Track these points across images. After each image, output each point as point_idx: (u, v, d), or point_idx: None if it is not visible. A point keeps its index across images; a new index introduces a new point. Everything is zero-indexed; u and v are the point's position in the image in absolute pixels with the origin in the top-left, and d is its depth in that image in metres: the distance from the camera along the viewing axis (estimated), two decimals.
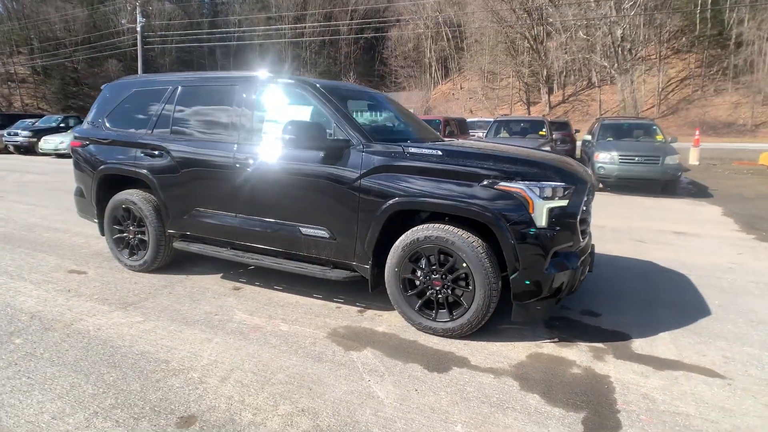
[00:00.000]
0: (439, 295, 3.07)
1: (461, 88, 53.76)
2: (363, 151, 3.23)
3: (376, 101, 4.48)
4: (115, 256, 4.50)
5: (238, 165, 3.63)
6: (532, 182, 2.87)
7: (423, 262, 3.10)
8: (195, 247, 4.04)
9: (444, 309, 3.08)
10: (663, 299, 3.79)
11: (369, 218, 3.18)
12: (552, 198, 2.85)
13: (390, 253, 3.19)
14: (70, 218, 6.48)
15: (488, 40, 48.33)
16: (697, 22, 37.52)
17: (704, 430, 2.18)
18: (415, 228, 3.10)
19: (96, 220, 4.62)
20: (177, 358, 2.79)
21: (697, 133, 15.46)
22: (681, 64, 40.36)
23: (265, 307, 3.57)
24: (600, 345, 3.01)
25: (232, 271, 4.39)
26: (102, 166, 4.38)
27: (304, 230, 3.48)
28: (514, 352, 2.92)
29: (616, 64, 34.61)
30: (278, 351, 2.90)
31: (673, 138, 10.03)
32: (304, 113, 3.58)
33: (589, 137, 11.45)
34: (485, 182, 2.90)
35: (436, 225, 3.03)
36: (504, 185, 2.87)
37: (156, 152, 4.07)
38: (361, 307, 3.59)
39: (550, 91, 44.35)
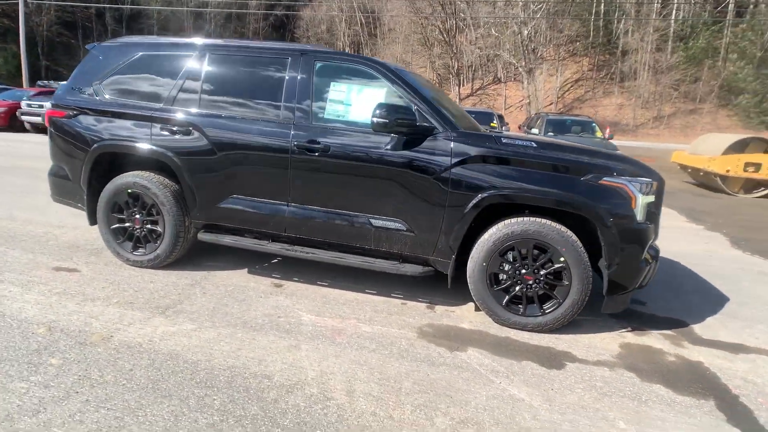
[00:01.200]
0: (529, 291, 3.05)
1: None
2: (452, 140, 3.05)
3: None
4: (112, 250, 3.78)
5: (296, 149, 3.22)
6: (630, 178, 2.94)
7: (511, 256, 3.04)
8: (228, 239, 3.54)
9: (533, 304, 3.07)
10: (684, 286, 4.17)
11: (458, 211, 3.03)
12: (647, 193, 2.96)
13: (476, 247, 3.08)
14: (20, 203, 5.35)
15: (402, 29, 49.03)
16: (591, 29, 41.52)
17: None
18: (508, 222, 3.02)
19: (83, 207, 3.83)
20: (276, 372, 2.43)
21: (608, 131, 17.20)
22: (576, 66, 44.48)
23: (328, 306, 3.26)
24: (669, 332, 3.22)
25: (257, 265, 3.94)
26: (100, 143, 3.62)
27: (375, 222, 3.21)
28: (605, 343, 3.01)
29: (523, 62, 37.14)
30: (381, 355, 2.66)
31: (611, 135, 11.05)
32: (375, 95, 3.25)
33: (535, 131, 12.19)
34: (589, 177, 2.92)
35: (533, 219, 2.98)
36: (608, 180, 2.91)
37: (183, 130, 3.46)
38: (426, 303, 3.44)
39: (460, 84, 46.28)
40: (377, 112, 2.95)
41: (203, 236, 3.62)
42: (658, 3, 37.65)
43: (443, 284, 3.32)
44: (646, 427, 2.18)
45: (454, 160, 3.02)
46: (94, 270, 3.63)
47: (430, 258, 3.22)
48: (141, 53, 3.70)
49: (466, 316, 3.25)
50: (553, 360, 2.75)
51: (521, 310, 3.08)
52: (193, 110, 3.47)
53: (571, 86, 43.81)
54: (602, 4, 40.65)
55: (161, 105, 3.54)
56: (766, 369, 2.80)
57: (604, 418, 2.23)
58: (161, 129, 3.50)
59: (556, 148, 3.11)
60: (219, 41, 3.70)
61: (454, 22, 43.60)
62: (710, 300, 3.86)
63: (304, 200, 3.33)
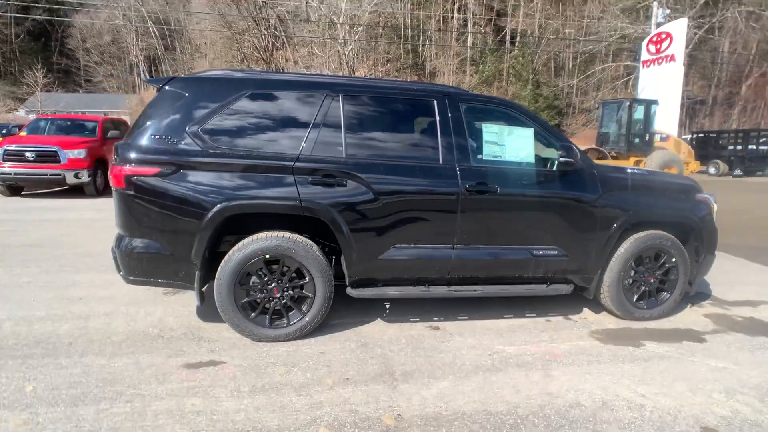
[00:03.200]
0: (648, 287, 3.84)
1: None
2: (594, 172, 3.64)
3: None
4: (242, 328, 3.20)
5: (466, 191, 3.35)
6: (709, 194, 4.00)
7: (637, 264, 3.78)
8: (394, 291, 3.41)
9: (652, 298, 3.86)
10: None
11: (605, 233, 3.63)
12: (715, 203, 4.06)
13: (613, 260, 3.73)
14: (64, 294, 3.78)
15: (210, 44, 46.78)
16: (402, 52, 46.53)
17: None
18: (637, 236, 3.73)
19: (186, 285, 3.16)
20: (567, 397, 2.63)
21: None
22: None
23: (508, 336, 3.47)
24: (710, 303, 4.41)
25: (383, 314, 3.80)
26: (225, 204, 3.04)
27: (536, 252, 3.58)
28: (697, 316, 3.99)
29: None
30: (611, 363, 3.07)
31: None
32: (524, 135, 3.59)
33: None
34: (691, 195, 3.86)
35: (655, 233, 3.75)
36: (701, 196, 3.90)
37: (338, 181, 3.19)
38: (564, 317, 3.92)
39: None
40: (561, 152, 3.36)
41: (360, 292, 3.38)
42: (455, 30, 44.44)
43: (551, 300, 3.97)
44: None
45: (602, 191, 3.61)
46: (237, 355, 3.04)
47: (578, 276, 3.73)
48: (249, 91, 3.24)
49: (602, 321, 3.86)
50: (693, 336, 3.58)
51: (644, 305, 3.84)
52: (343, 158, 3.25)
53: None
54: (409, 30, 45.63)
55: (299, 153, 3.19)
56: None
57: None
58: (311, 182, 3.16)
59: (662, 175, 3.99)
60: (350, 80, 3.52)
61: (270, 40, 43.56)
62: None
63: (470, 241, 3.47)
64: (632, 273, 3.79)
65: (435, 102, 3.47)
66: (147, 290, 4.25)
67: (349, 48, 38.73)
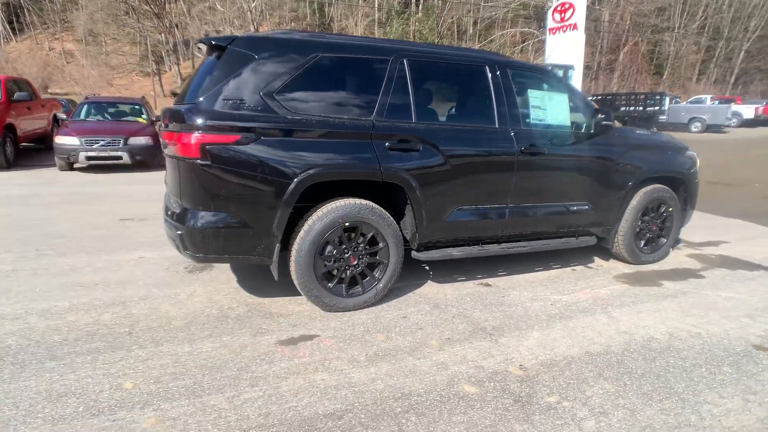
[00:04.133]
0: (651, 235, 4.39)
1: (51, 49, 42.75)
2: (616, 133, 4.00)
3: None
4: (320, 299, 3.11)
5: (521, 153, 3.51)
6: (691, 150, 4.60)
7: (642, 214, 4.30)
8: (458, 252, 3.51)
9: (647, 246, 4.43)
10: None
11: (624, 188, 4.05)
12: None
13: (627, 212, 4.18)
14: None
15: None
16: (308, 11, 44.28)
17: None
18: (645, 190, 4.20)
19: (264, 259, 2.96)
20: (639, 335, 3.02)
21: None
22: None
23: (552, 287, 3.79)
24: (684, 246, 5.16)
25: (430, 275, 3.92)
26: (307, 172, 2.87)
27: (572, 207, 3.89)
28: (690, 263, 4.68)
29: None
30: (650, 302, 3.53)
31: None
32: (561, 101, 3.79)
33: None
34: (682, 152, 4.41)
35: (659, 186, 4.26)
36: (688, 153, 4.48)
37: (413, 146, 3.15)
38: (585, 266, 4.34)
39: (179, 62, 42.31)
40: (601, 116, 3.62)
41: (427, 255, 3.43)
42: None
43: (564, 252, 4.38)
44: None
45: (623, 148, 3.99)
46: (323, 327, 2.97)
47: (600, 229, 4.13)
48: (320, 54, 3.02)
49: (616, 267, 4.35)
50: (692, 273, 4.22)
51: (649, 250, 4.40)
52: (414, 123, 3.20)
53: None
54: None
55: (373, 119, 3.09)
56: (740, 250, 5.02)
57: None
58: (389, 147, 3.09)
59: (660, 135, 4.47)
60: (411, 45, 3.40)
61: None
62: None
63: (520, 200, 3.66)
64: (640, 223, 4.30)
65: (487, 68, 3.52)
66: (166, 270, 3.89)
67: (254, 4, 36.10)
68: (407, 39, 43.08)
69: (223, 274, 3.83)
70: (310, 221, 2.98)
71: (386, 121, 3.12)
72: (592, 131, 3.82)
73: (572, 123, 3.86)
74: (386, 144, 3.09)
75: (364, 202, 3.10)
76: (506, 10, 42.19)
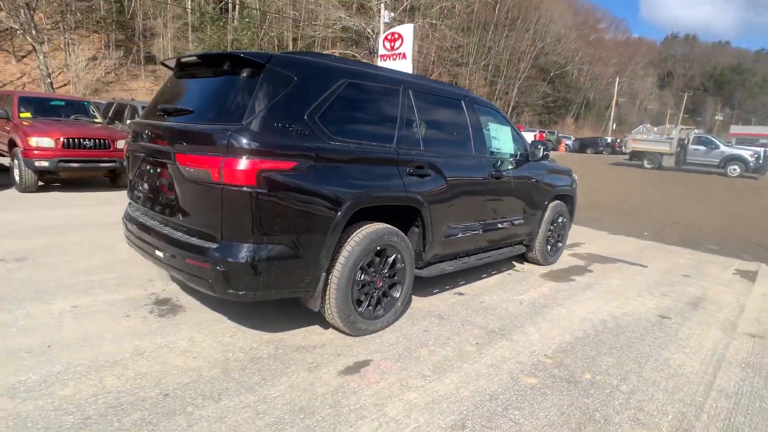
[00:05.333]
0: (555, 240, 5.51)
1: None
2: (546, 159, 4.96)
3: None
4: (354, 324, 3.12)
5: (491, 178, 4.12)
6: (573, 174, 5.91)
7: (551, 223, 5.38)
8: (449, 267, 3.89)
9: (552, 249, 5.56)
10: None
11: (544, 204, 5.05)
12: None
13: (543, 223, 5.19)
14: None
15: None
16: (102, 2, 38.46)
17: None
18: (553, 204, 5.26)
19: (309, 291, 2.88)
20: (614, 316, 3.91)
21: None
22: (92, 43, 40.44)
23: (507, 289, 4.47)
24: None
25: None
26: (356, 199, 2.91)
27: (515, 221, 4.68)
28: (573, 261, 5.95)
29: (34, 31, 30.73)
30: (576, 293, 4.50)
31: None
32: (507, 132, 4.53)
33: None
34: (570, 174, 5.64)
35: (560, 201, 5.40)
36: (573, 175, 5.75)
37: (425, 172, 3.44)
38: (516, 270, 5.18)
39: None
40: (541, 147, 4.47)
41: (429, 272, 3.72)
42: None
43: (494, 262, 5.20)
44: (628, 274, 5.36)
45: (544, 171, 4.97)
46: (366, 351, 3.01)
47: (527, 238, 5.03)
48: (347, 81, 3.08)
49: (532, 269, 5.31)
50: (584, 269, 5.45)
51: (551, 252, 5.51)
52: (423, 149, 3.50)
53: (89, 65, 39.67)
54: None
55: (393, 146, 3.28)
56: (594, 248, 6.61)
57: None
58: (409, 173, 3.31)
59: (555, 162, 5.60)
60: (412, 78, 3.63)
61: None
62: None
63: (488, 217, 4.26)
64: (548, 232, 5.36)
65: (463, 102, 4.05)
66: (127, 317, 3.30)
67: None
68: (225, 48, 41.17)
69: (203, 314, 3.42)
70: (348, 247, 2.99)
71: (404, 148, 3.35)
72: (530, 159, 4.68)
73: (515, 150, 4.66)
74: (408, 170, 3.31)
75: (389, 226, 3.25)
76: (331, 30, 43.96)
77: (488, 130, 4.35)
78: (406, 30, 24.53)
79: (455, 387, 2.67)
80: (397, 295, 3.43)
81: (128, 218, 3.41)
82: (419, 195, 3.39)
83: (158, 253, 2.91)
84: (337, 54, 45.07)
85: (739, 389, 2.89)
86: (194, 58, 3.02)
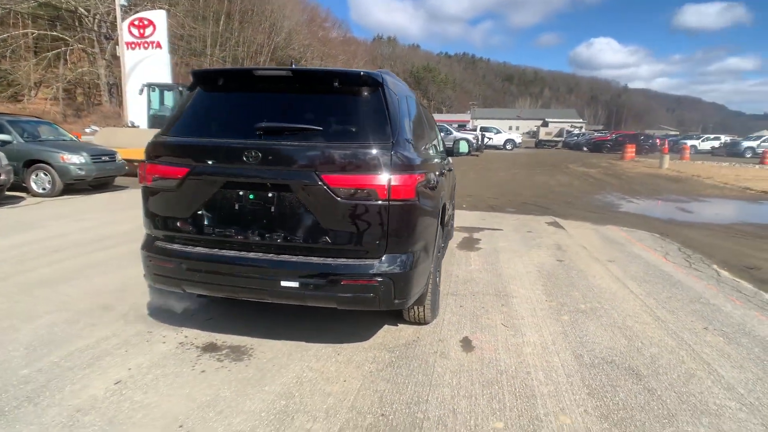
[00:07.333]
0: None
1: None
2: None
3: None
4: (435, 312, 3.58)
5: (446, 169, 5.03)
6: None
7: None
8: None
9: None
10: None
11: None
12: None
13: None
14: None
15: None
16: None
17: None
18: None
19: (427, 287, 3.23)
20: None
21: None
22: None
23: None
24: None
25: None
26: (444, 199, 3.52)
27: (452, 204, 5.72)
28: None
29: None
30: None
31: None
32: (439, 130, 5.43)
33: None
34: None
35: None
36: None
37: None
38: None
39: None
40: (469, 144, 5.55)
41: None
42: None
43: None
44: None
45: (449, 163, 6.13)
46: (437, 339, 3.57)
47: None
48: (406, 95, 3.44)
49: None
50: (472, 231, 6.97)
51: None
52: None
53: None
54: None
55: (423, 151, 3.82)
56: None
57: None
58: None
59: None
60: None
61: None
62: None
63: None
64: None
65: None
66: (192, 369, 2.90)
67: None
68: None
69: (278, 348, 3.23)
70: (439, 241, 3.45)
71: (432, 154, 3.93)
72: (460, 152, 5.68)
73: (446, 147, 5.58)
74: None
75: None
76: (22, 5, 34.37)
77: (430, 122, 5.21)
78: (158, 16, 22.21)
79: (524, 359, 3.34)
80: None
81: (183, 255, 2.86)
82: None
83: (284, 284, 2.68)
84: (35, 34, 35.83)
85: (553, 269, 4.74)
86: (286, 72, 2.78)
